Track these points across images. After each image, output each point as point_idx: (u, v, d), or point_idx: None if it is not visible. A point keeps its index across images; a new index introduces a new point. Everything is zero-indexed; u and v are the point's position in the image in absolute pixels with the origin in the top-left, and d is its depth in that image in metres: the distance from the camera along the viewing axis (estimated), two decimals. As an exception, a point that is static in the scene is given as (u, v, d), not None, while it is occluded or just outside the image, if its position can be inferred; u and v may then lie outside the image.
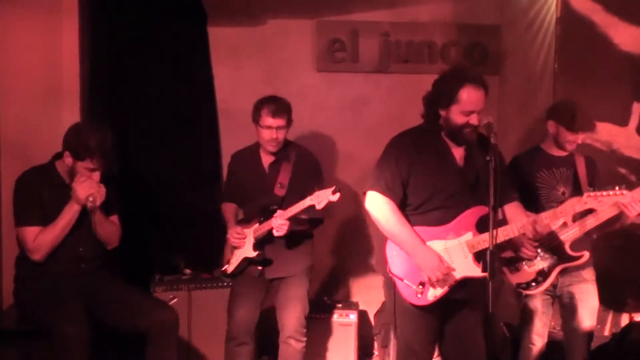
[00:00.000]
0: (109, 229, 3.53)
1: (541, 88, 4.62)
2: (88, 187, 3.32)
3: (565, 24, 4.27)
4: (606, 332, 4.25)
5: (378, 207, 3.09)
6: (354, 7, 4.86)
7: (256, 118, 3.71)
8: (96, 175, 3.36)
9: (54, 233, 3.36)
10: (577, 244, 3.52)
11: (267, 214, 3.63)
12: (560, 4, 4.26)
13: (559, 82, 4.30)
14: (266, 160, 3.81)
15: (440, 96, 3.04)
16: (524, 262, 3.57)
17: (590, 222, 3.47)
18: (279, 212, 3.58)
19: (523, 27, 4.72)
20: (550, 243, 3.52)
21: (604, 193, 3.09)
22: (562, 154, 3.65)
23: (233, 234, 3.74)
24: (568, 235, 3.50)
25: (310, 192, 3.46)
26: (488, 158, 2.79)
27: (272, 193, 3.72)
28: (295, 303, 3.79)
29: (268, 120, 3.66)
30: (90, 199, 3.31)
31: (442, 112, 3.05)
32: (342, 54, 4.86)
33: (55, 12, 4.09)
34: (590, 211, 3.47)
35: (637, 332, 3.91)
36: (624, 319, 4.37)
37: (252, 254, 3.70)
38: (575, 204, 3.12)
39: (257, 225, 3.70)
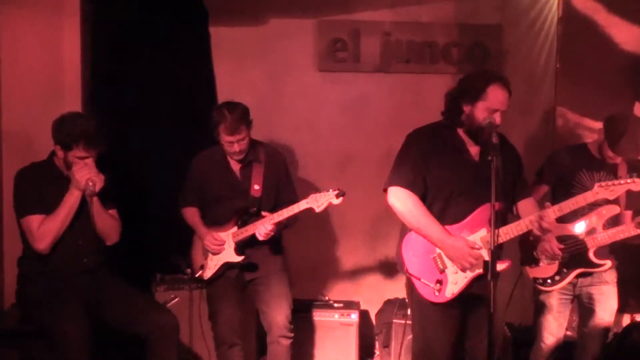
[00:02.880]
0: (108, 221, 3.52)
1: (543, 88, 4.62)
2: (87, 172, 3.33)
3: (567, 23, 4.26)
4: (609, 333, 4.23)
5: (402, 201, 3.11)
6: (356, 6, 4.85)
7: (215, 132, 3.62)
8: (90, 162, 3.36)
9: (57, 220, 3.35)
10: (600, 250, 3.53)
11: (246, 217, 3.62)
12: (562, 4, 4.26)
13: (561, 82, 4.31)
14: (235, 162, 3.75)
15: (467, 92, 3.08)
16: (544, 258, 3.58)
17: (619, 232, 3.47)
18: (266, 214, 3.55)
19: (524, 27, 4.71)
20: (576, 248, 3.52)
21: (615, 182, 3.08)
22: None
23: (212, 240, 3.66)
24: (595, 242, 3.50)
25: (288, 195, 3.53)
26: (490, 158, 2.81)
27: (248, 195, 3.68)
28: (280, 301, 3.76)
29: (226, 137, 3.60)
30: (90, 183, 3.31)
31: (466, 108, 3.08)
32: (344, 54, 4.86)
33: (57, 11, 4.10)
34: (618, 221, 3.53)
35: (639, 332, 3.90)
36: (625, 320, 4.36)
37: (236, 258, 3.64)
38: (587, 195, 3.12)
39: (235, 229, 3.66)
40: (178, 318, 3.54)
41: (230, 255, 3.66)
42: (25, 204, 3.40)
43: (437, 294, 3.08)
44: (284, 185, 3.74)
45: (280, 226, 3.61)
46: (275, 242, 3.76)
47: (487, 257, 3.02)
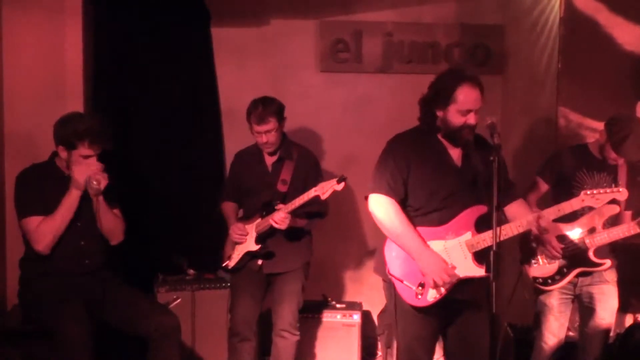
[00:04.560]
0: (112, 220, 3.52)
1: (545, 88, 4.61)
2: (85, 170, 3.32)
3: (569, 23, 4.25)
4: (610, 333, 4.23)
5: (383, 209, 3.06)
6: (357, 7, 4.86)
7: (248, 123, 3.79)
8: (92, 161, 3.35)
9: (55, 221, 3.34)
10: (600, 250, 3.51)
11: (270, 209, 3.69)
12: (564, 4, 4.24)
13: (563, 82, 4.29)
14: (269, 158, 3.87)
15: (437, 97, 3.03)
16: (544, 257, 3.57)
17: (619, 232, 3.46)
18: (281, 206, 3.64)
19: (526, 27, 4.71)
20: (575, 248, 3.51)
21: (601, 191, 3.11)
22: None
23: (235, 230, 3.79)
24: (594, 242, 3.49)
25: (313, 184, 3.55)
26: (492, 158, 2.78)
27: (274, 189, 3.78)
28: (290, 297, 3.85)
29: (255, 127, 3.74)
30: (94, 182, 3.31)
31: (440, 113, 3.04)
32: (346, 54, 4.86)
33: (59, 11, 4.10)
34: (617, 221, 3.52)
35: (641, 332, 3.90)
36: (628, 320, 4.35)
37: (255, 247, 3.75)
38: (573, 202, 3.13)
39: (259, 220, 3.76)
40: (180, 319, 3.54)
41: (250, 244, 3.77)
42: (26, 205, 3.39)
43: (419, 297, 3.00)
44: (312, 184, 3.75)
45: (295, 216, 3.68)
46: (300, 241, 3.86)
47: (461, 275, 2.99)
